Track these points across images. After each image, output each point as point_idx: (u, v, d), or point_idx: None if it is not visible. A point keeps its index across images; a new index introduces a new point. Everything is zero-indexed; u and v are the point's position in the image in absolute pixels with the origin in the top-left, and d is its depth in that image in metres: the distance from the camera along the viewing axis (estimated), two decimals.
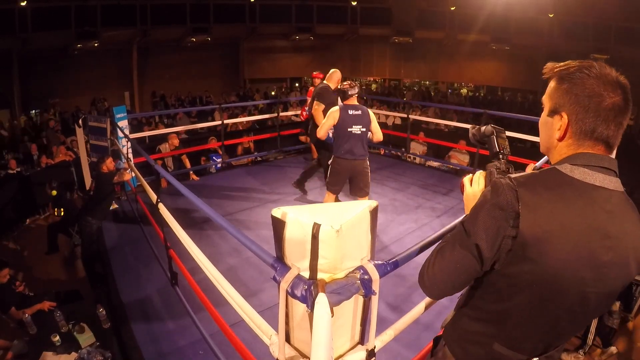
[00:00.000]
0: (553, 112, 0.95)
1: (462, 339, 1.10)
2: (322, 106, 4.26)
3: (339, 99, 3.98)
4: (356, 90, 3.55)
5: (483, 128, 1.31)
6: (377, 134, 3.64)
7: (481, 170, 1.23)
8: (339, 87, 3.69)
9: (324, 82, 4.58)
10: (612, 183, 0.91)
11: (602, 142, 0.92)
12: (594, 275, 0.89)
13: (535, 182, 0.91)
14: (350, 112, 3.48)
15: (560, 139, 0.95)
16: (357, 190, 3.70)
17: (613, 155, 0.97)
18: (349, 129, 3.48)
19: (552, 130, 0.96)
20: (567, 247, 0.87)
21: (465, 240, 0.94)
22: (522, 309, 0.96)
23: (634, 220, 0.93)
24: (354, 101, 3.54)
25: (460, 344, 1.11)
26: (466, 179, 1.25)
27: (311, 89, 5.48)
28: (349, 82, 3.67)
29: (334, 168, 3.63)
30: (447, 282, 0.99)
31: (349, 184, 3.75)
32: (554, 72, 0.95)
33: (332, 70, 4.63)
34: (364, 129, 3.50)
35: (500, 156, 1.15)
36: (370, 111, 3.61)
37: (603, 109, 0.88)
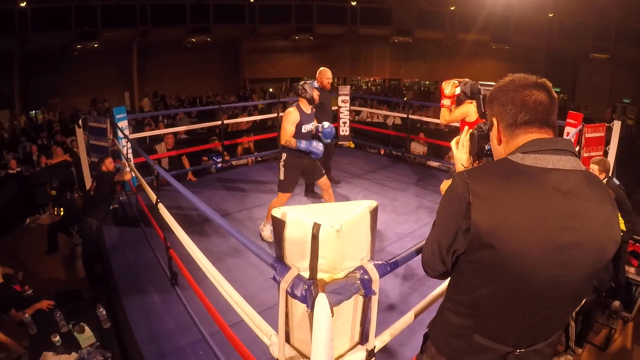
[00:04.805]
0: (490, 126, 1.05)
1: (444, 333, 1.12)
2: None
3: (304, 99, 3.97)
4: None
5: (470, 85, 1.28)
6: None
7: (468, 131, 1.25)
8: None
9: None
10: (569, 163, 0.91)
11: (536, 125, 0.95)
12: (561, 258, 0.89)
13: (485, 173, 0.95)
14: None
15: (499, 142, 1.02)
16: None
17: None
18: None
19: (493, 141, 1.04)
20: (522, 232, 0.88)
21: (432, 230, 1.06)
22: (493, 298, 0.96)
23: (597, 197, 0.92)
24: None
25: (442, 338, 1.12)
26: (453, 142, 1.28)
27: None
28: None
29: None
30: (427, 260, 1.09)
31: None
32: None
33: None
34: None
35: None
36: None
37: (519, 99, 0.96)
